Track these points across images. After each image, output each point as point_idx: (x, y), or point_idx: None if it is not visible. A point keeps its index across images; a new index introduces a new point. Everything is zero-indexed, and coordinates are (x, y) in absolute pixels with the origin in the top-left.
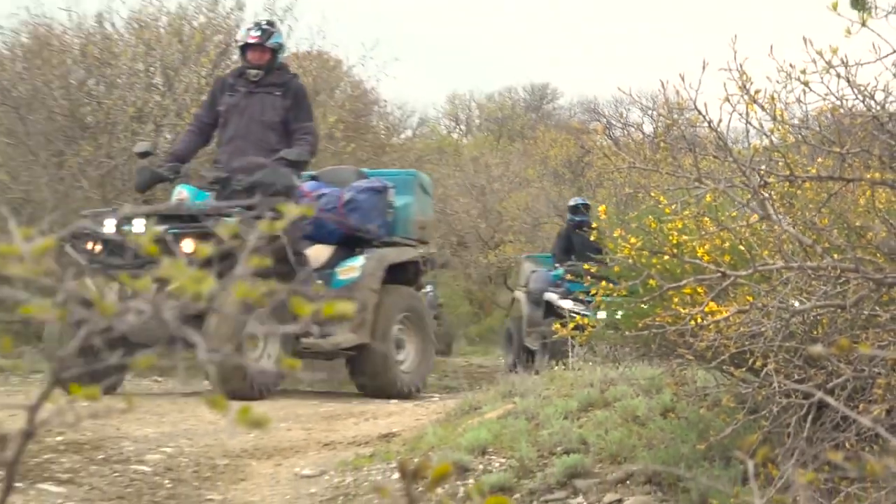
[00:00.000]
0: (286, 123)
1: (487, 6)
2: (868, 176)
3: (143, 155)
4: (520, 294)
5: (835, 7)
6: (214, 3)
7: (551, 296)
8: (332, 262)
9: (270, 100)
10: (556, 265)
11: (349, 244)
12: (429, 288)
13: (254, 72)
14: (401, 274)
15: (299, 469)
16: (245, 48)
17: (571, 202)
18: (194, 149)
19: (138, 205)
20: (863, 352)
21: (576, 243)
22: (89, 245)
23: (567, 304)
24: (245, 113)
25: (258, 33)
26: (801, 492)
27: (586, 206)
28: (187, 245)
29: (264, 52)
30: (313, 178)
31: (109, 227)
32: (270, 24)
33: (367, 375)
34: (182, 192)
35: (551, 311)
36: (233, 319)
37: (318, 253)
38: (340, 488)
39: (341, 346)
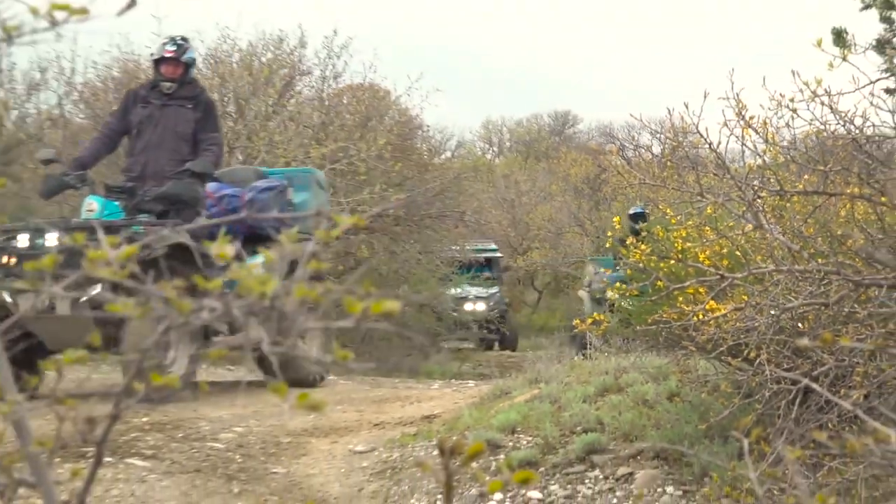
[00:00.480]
0: (196, 135)
1: (518, 41)
2: (848, 191)
3: (47, 162)
4: (583, 293)
5: (819, 44)
6: (280, 42)
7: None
8: (237, 260)
9: (183, 112)
10: (617, 268)
11: (252, 241)
12: (495, 289)
13: (168, 84)
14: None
15: (353, 446)
16: (159, 62)
17: (631, 210)
18: (99, 156)
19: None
20: (844, 344)
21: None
22: (4, 259)
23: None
24: (159, 124)
25: (174, 48)
26: (790, 466)
27: (644, 215)
28: None
29: (178, 66)
30: (214, 179)
31: (23, 241)
32: (185, 39)
33: (276, 368)
34: (92, 204)
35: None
36: (153, 323)
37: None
38: (388, 463)
39: (252, 342)
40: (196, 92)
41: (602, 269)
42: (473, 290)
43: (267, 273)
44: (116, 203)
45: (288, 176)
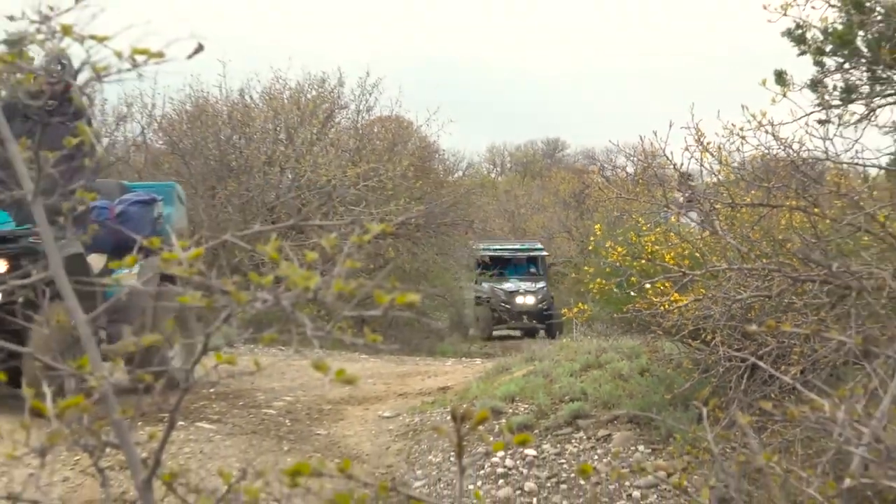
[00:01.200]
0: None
1: (521, 75)
2: (787, 203)
3: None
4: None
5: (764, 83)
6: (322, 82)
7: None
8: (109, 270)
9: (65, 129)
10: None
11: (121, 252)
12: (542, 284)
13: (50, 102)
14: (167, 277)
15: (381, 412)
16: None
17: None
18: None
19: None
20: (784, 329)
21: None
22: None
23: None
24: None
25: (58, 67)
26: (742, 429)
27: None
28: (1, 266)
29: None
30: None
31: None
32: (67, 59)
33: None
34: None
35: None
36: (57, 331)
37: (95, 261)
38: (410, 426)
39: (129, 349)
40: (73, 110)
41: None
42: (523, 285)
43: (138, 279)
44: (6, 213)
45: (152, 190)
